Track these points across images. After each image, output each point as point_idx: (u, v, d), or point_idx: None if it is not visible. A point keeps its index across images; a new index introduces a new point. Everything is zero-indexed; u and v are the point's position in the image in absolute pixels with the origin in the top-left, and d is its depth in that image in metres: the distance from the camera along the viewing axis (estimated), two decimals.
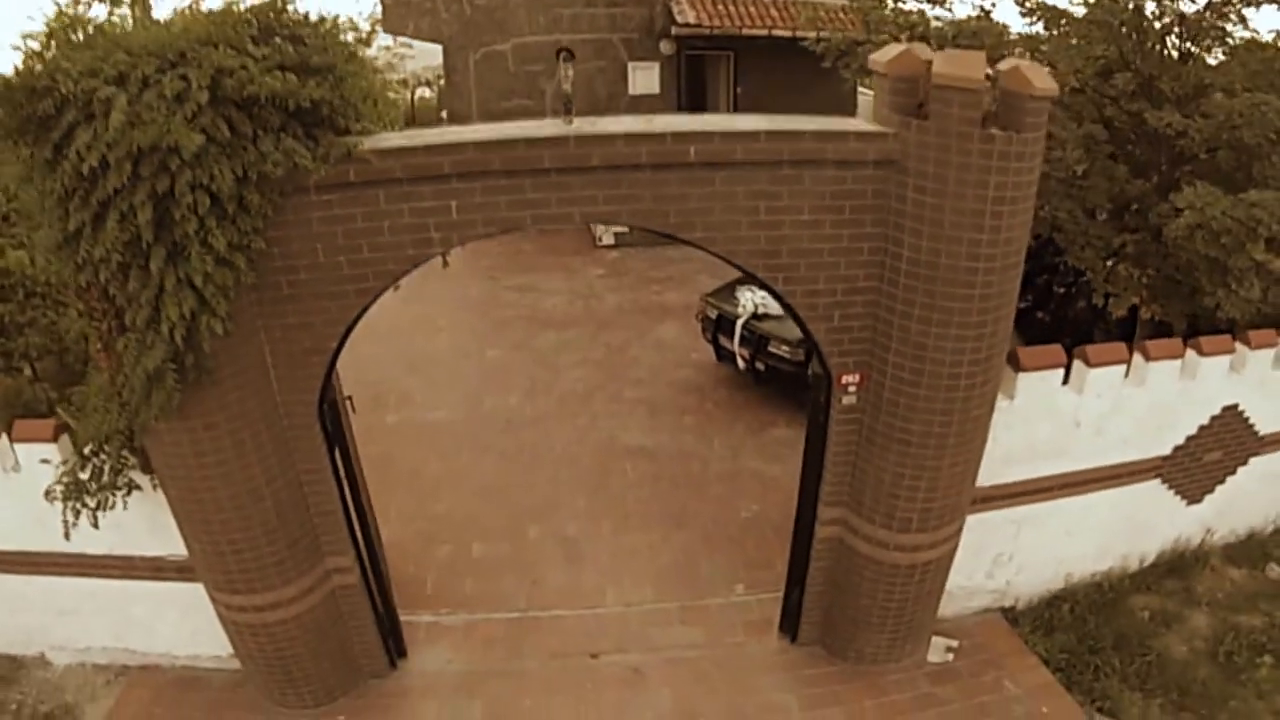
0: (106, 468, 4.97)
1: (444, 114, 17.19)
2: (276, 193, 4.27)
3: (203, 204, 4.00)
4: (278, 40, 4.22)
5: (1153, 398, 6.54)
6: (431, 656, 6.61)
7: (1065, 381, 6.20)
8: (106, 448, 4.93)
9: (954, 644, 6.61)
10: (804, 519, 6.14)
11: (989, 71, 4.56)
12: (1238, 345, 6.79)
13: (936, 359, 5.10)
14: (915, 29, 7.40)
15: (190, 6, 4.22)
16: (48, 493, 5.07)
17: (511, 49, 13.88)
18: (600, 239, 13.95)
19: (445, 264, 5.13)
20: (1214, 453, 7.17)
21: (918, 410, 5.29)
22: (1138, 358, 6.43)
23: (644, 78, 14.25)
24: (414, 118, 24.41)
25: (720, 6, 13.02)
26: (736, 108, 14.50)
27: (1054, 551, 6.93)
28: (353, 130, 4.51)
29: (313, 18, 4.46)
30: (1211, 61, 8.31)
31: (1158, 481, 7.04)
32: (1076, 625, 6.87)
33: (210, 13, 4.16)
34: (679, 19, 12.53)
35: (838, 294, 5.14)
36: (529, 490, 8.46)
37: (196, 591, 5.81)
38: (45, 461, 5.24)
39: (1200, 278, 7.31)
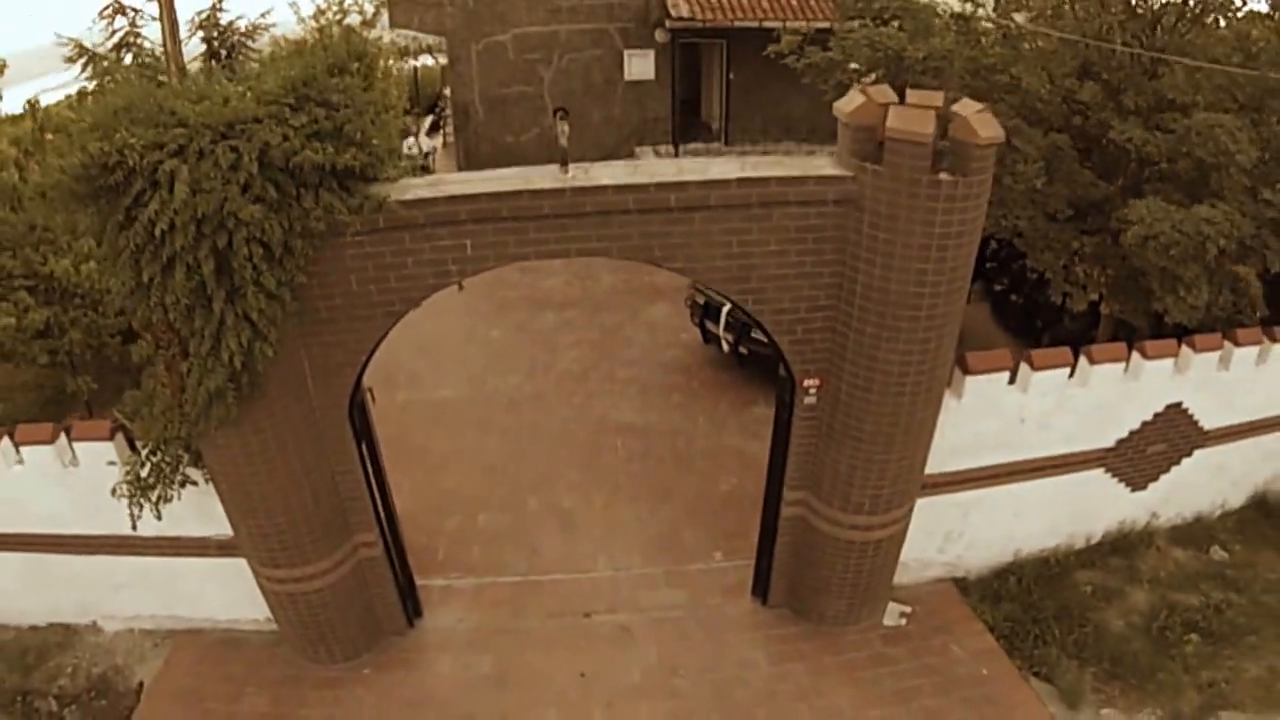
0: (165, 466, 5.74)
1: (447, 91, 17.71)
2: (317, 237, 4.98)
3: (256, 254, 4.71)
4: (311, 106, 4.89)
5: (1096, 396, 7.14)
6: (445, 616, 7.50)
7: (1012, 381, 6.86)
8: (165, 449, 5.71)
9: (908, 610, 7.49)
10: (771, 499, 6.98)
11: (948, 111, 5.18)
12: (1183, 348, 7.27)
13: (886, 369, 5.87)
14: (889, 52, 7.87)
15: (234, 82, 4.86)
16: (114, 490, 5.84)
17: (511, 39, 14.42)
18: None
19: (460, 288, 5.83)
20: (1158, 445, 7.76)
21: (869, 412, 6.08)
22: (1082, 360, 7.00)
23: (639, 64, 14.77)
24: (417, 87, 24.72)
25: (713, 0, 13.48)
26: (729, 93, 14.98)
27: (1002, 530, 7.71)
28: (380, 177, 5.21)
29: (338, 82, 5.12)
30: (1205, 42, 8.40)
31: (1102, 470, 7.70)
32: (1022, 596, 7.60)
33: (251, 88, 4.82)
34: (673, 13, 13.01)
35: (800, 311, 5.88)
36: (529, 465, 9.29)
37: (238, 565, 6.66)
38: (112, 464, 5.99)
39: (1152, 283, 7.75)
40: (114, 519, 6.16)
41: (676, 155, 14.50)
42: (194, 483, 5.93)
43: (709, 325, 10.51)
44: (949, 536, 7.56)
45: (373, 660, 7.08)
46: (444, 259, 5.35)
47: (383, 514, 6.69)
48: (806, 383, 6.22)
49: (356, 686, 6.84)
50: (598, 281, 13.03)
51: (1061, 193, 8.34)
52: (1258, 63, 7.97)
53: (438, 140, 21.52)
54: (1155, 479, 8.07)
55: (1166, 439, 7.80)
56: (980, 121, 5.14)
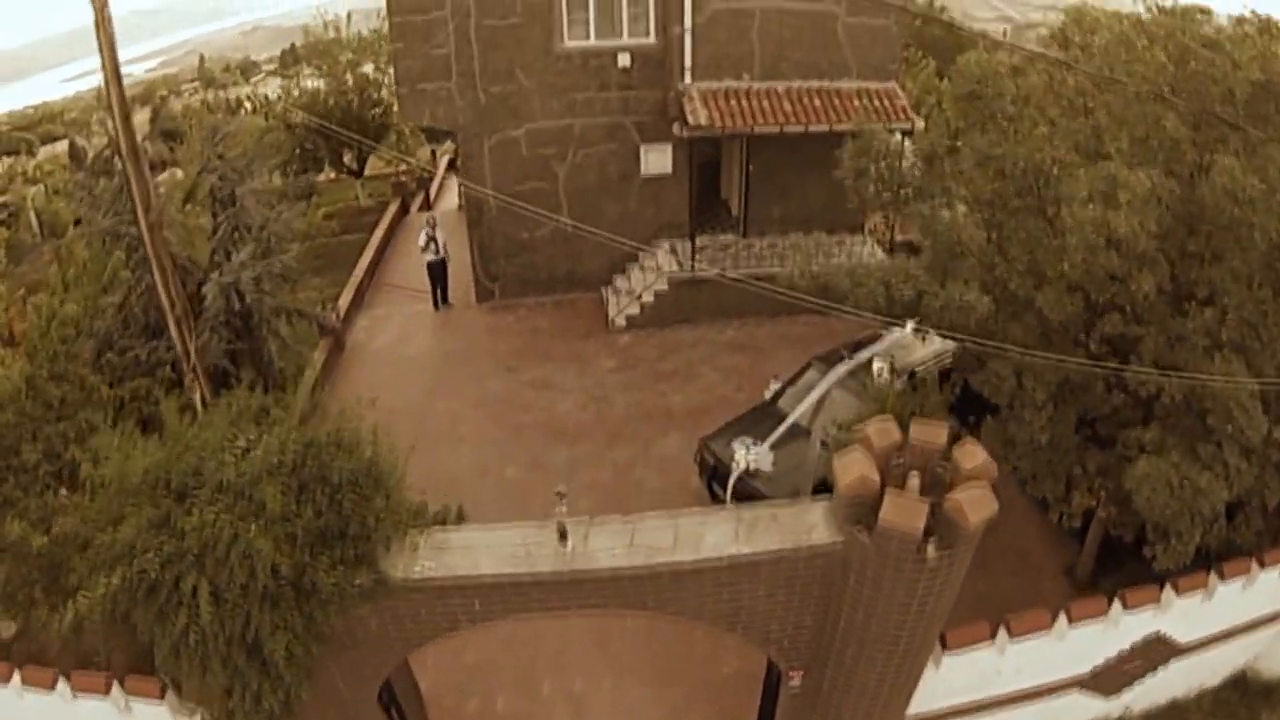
0: None
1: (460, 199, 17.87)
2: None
3: (283, 643, 5.24)
4: (314, 486, 5.32)
5: (1074, 646, 7.49)
6: None
7: (991, 638, 7.20)
8: None
9: None
10: None
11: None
12: (1165, 590, 7.52)
13: (863, 682, 6.36)
14: (905, 298, 7.96)
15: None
16: None
17: (525, 134, 14.35)
18: (613, 322, 14.76)
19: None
20: (1134, 663, 8.13)
21: (847, 705, 6.60)
22: (1061, 618, 7.29)
23: (656, 159, 14.70)
24: None
25: (732, 103, 13.32)
26: (748, 183, 14.97)
27: None
28: (390, 548, 5.66)
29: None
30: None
31: (1077, 691, 8.09)
32: None
33: (253, 506, 5.24)
34: (691, 120, 12.89)
35: (787, 630, 6.36)
36: (542, 638, 9.83)
37: None
38: None
39: (1145, 529, 7.72)
40: None
41: (693, 252, 14.55)
42: None
43: (716, 488, 10.88)
44: None
45: None
46: (454, 613, 5.87)
47: None
48: (791, 674, 6.71)
49: None
50: (611, 404, 13.24)
51: (1069, 416, 8.23)
52: None
53: (453, 197, 21.42)
54: (1130, 686, 8.46)
55: (1144, 658, 8.15)
56: (973, 504, 5.40)
